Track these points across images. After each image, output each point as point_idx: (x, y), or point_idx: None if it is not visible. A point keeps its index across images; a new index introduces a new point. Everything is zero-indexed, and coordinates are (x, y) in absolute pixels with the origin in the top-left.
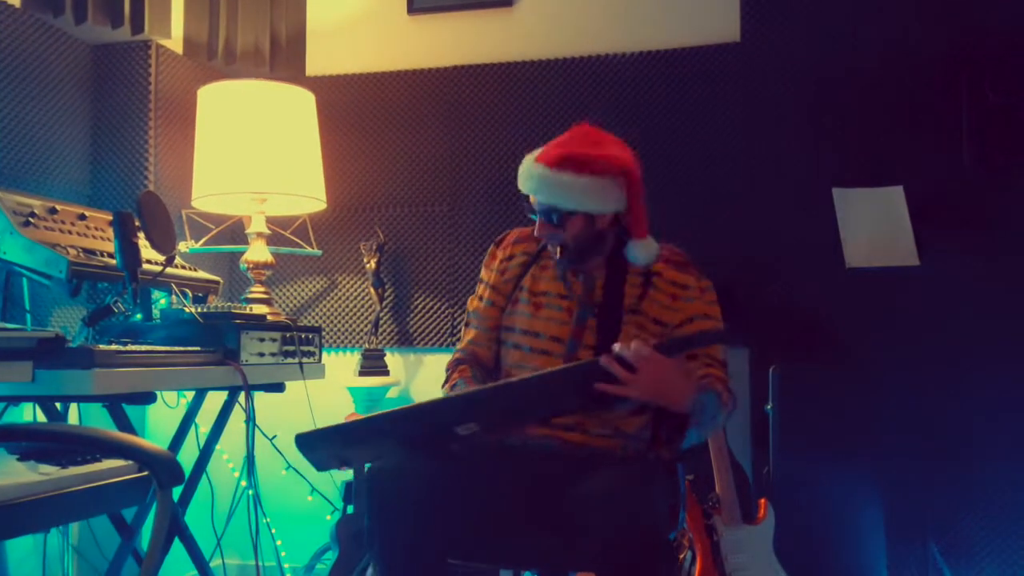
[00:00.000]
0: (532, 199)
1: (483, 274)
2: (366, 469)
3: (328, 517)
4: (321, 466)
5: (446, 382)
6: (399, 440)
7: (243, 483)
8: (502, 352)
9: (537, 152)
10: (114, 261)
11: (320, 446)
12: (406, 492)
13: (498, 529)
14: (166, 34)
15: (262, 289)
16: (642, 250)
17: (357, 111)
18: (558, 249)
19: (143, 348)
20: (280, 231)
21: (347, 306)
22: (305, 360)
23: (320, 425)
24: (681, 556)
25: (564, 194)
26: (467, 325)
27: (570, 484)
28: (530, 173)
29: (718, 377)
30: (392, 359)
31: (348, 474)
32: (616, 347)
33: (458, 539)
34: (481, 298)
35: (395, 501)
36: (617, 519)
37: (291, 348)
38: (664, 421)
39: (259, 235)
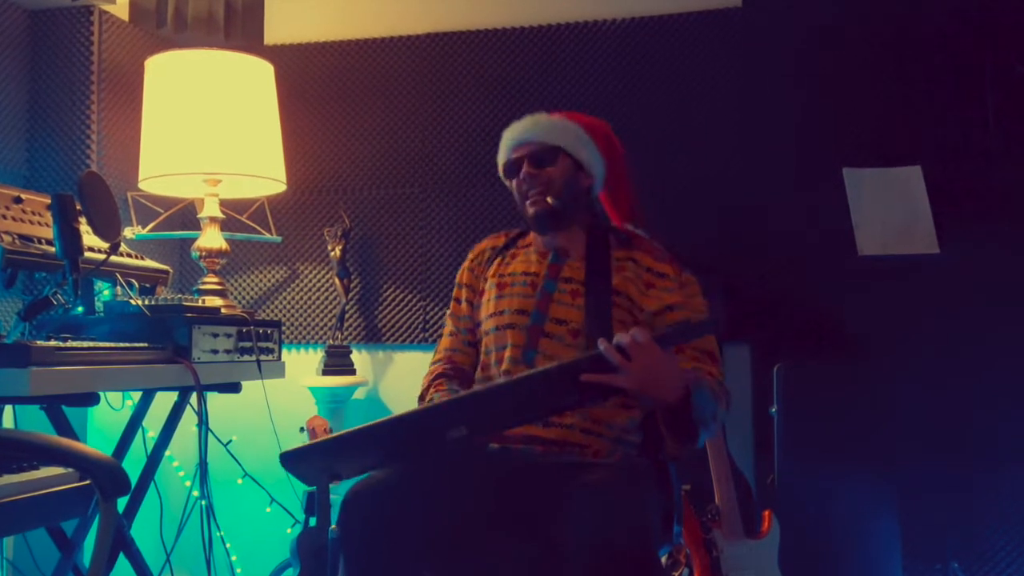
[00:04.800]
0: (516, 154)
1: (459, 277)
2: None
3: (288, 530)
4: (311, 482)
5: (421, 399)
6: (387, 451)
7: (195, 493)
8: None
9: None
10: (53, 248)
11: (306, 463)
12: (380, 508)
13: (479, 544)
14: None
15: (216, 279)
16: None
17: (320, 84)
18: (545, 200)
19: (85, 344)
20: (235, 216)
21: (309, 298)
22: (263, 358)
23: (279, 428)
24: (677, 573)
25: (554, 131)
26: (442, 335)
27: (554, 492)
28: (517, 125)
29: (708, 371)
30: (359, 357)
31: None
32: (616, 336)
33: (435, 556)
34: (458, 300)
35: (369, 519)
36: (602, 529)
37: (248, 344)
38: (665, 420)
39: (212, 220)
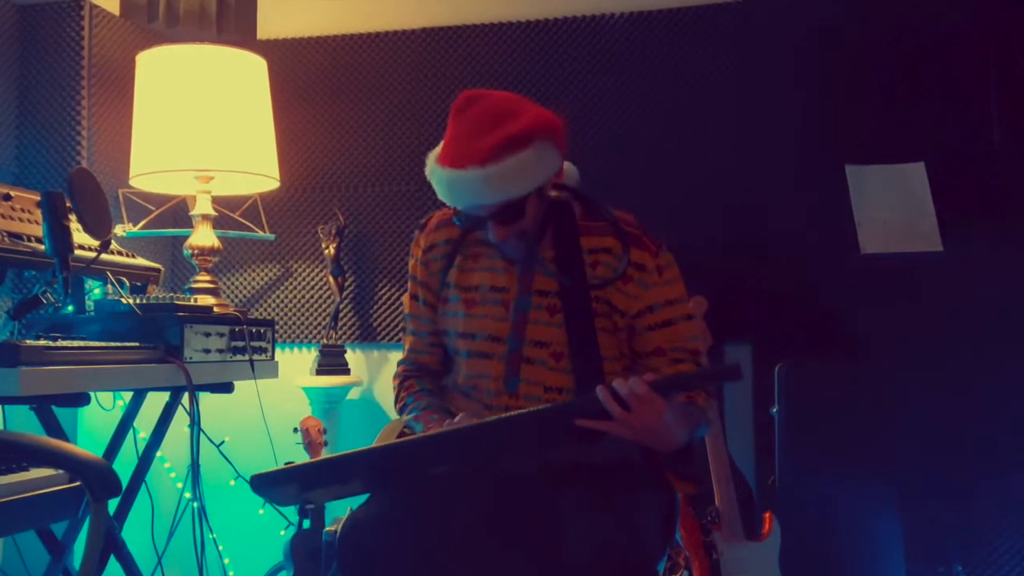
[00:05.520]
0: (476, 212)
1: (411, 267)
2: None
3: (282, 532)
4: (283, 504)
5: (397, 402)
6: (366, 481)
7: (187, 494)
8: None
9: (438, 151)
10: (42, 246)
11: (278, 488)
12: (378, 539)
13: (477, 560)
14: None
15: (208, 278)
16: (568, 180)
17: (314, 79)
18: (522, 245)
19: (75, 344)
20: (228, 213)
21: (303, 297)
22: (256, 357)
23: (272, 429)
24: None
25: (514, 182)
26: (405, 330)
27: (549, 500)
28: (459, 184)
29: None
30: (353, 356)
31: None
32: (614, 383)
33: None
34: (415, 297)
35: (368, 552)
36: (597, 538)
37: (240, 344)
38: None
39: (204, 217)
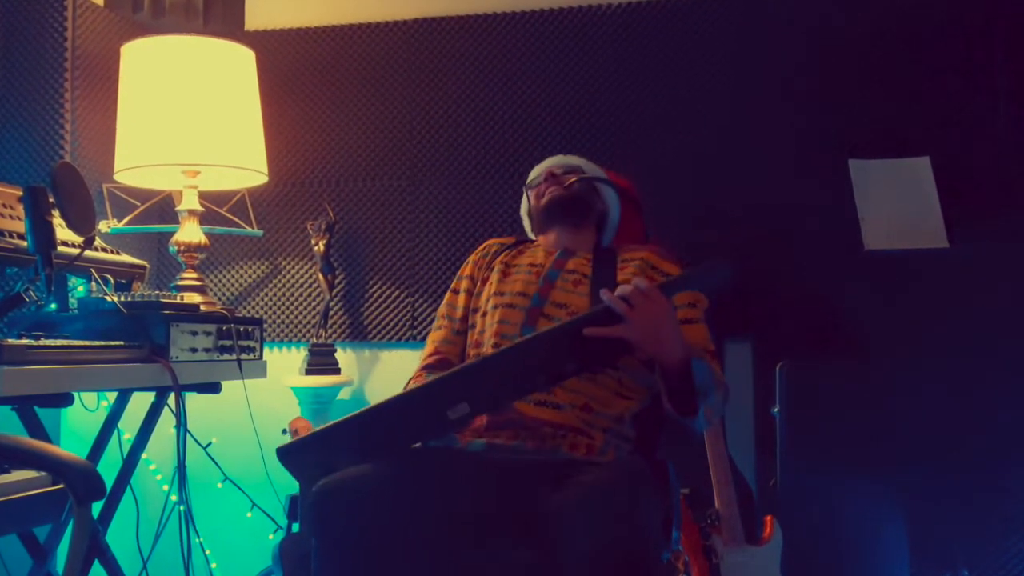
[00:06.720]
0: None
1: (461, 271)
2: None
3: (271, 536)
4: (306, 478)
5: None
6: (389, 435)
7: (173, 497)
8: (468, 336)
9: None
10: (24, 243)
11: (303, 456)
12: (357, 516)
13: (464, 552)
14: None
15: (194, 275)
16: None
17: (304, 71)
18: (560, 189)
19: (58, 343)
20: (215, 209)
21: (292, 295)
22: (244, 356)
23: (260, 430)
24: None
25: (580, 164)
26: (432, 329)
27: (546, 495)
28: (549, 159)
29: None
30: (344, 355)
31: (293, 487)
32: (618, 289)
33: (418, 564)
34: (455, 291)
35: (346, 528)
36: (597, 535)
37: (228, 343)
38: (666, 382)
39: (191, 213)
